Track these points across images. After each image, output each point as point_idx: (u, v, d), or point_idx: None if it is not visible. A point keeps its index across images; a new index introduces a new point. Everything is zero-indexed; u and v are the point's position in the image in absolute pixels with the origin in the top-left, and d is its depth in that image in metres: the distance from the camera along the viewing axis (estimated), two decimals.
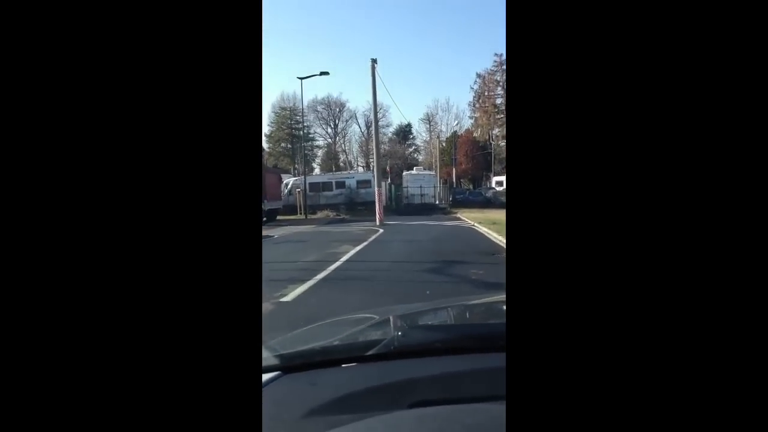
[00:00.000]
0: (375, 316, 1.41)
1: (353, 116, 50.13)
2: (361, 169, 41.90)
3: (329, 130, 50.94)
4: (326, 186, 30.44)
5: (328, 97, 50.03)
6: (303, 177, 28.73)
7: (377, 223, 18.55)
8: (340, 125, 51.24)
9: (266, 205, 23.50)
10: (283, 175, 31.92)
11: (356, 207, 29.18)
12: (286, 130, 45.65)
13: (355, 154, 50.79)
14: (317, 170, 46.63)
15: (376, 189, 18.48)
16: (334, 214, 26.75)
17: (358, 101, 72.61)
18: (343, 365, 0.96)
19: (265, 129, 45.54)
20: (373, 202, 32.53)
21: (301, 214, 27.22)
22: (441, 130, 49.38)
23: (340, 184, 30.73)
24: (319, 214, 26.41)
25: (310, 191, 29.55)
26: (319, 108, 49.85)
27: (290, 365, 0.96)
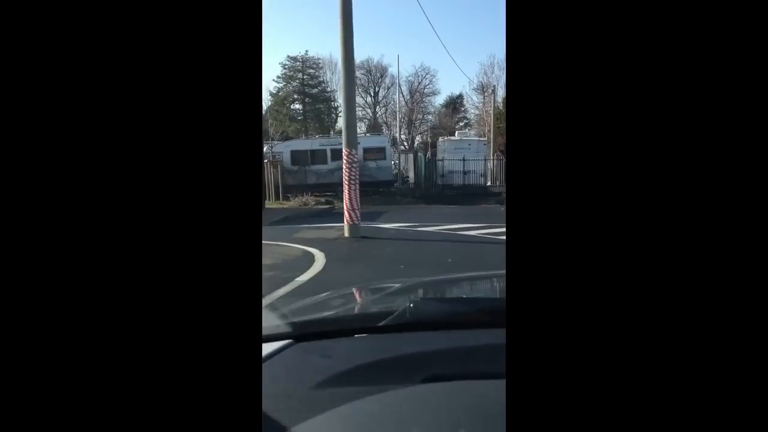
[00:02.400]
0: (394, 285, 1.44)
1: (395, 83, 38.62)
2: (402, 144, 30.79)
3: (368, 99, 40.24)
4: (317, 156, 19.50)
5: (368, 61, 39.12)
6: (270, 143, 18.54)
7: (345, 230, 8.35)
8: (381, 93, 40.40)
9: None
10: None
11: (363, 188, 18.87)
12: (295, 85, 35.67)
13: (399, 126, 39.97)
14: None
15: (345, 156, 8.16)
16: (322, 200, 16.52)
17: (403, 66, 61.55)
18: (355, 335, 0.94)
19: (271, 86, 35.65)
20: (390, 182, 20.01)
21: (269, 199, 17.32)
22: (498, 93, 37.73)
23: (339, 154, 20.39)
24: (294, 201, 16.39)
25: (292, 164, 19.43)
26: (358, 74, 39.14)
27: (302, 333, 0.94)
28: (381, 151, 19.47)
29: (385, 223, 10.71)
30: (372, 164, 19.21)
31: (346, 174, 8.21)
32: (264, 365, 0.79)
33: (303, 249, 7.23)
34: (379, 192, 18.34)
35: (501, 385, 0.57)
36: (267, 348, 0.87)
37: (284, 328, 0.95)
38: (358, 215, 8.32)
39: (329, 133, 27.80)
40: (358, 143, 20.88)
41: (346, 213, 8.27)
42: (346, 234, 8.26)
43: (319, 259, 6.43)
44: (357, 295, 1.45)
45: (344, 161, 8.27)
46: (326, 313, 1.14)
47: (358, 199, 8.32)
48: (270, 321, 0.96)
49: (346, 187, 8.23)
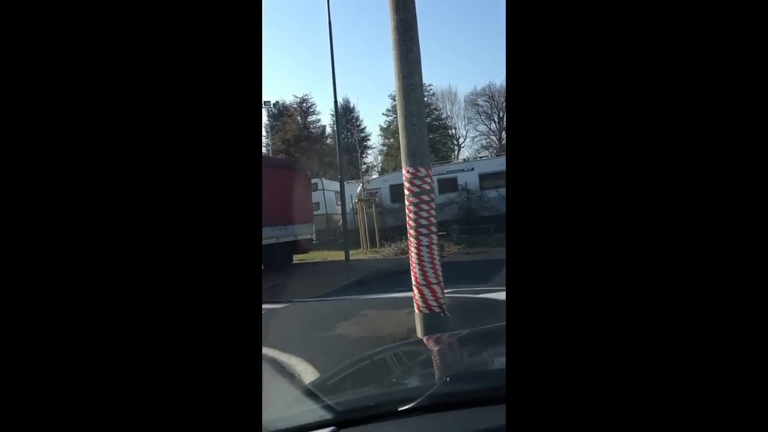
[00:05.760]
0: (421, 348, 1.49)
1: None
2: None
3: (492, 125, 36.00)
4: None
5: (490, 86, 35.13)
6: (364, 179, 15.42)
7: (417, 327, 4.35)
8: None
9: (277, 233, 11.11)
10: (324, 180, 18.81)
11: (478, 225, 14.52)
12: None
13: None
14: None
15: (406, 181, 4.26)
16: None
17: None
18: (400, 415, 0.89)
19: (381, 120, 33.10)
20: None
21: (365, 247, 13.96)
22: None
23: (449, 185, 16.15)
24: (390, 249, 12.77)
25: (392, 201, 15.95)
26: (479, 101, 35.28)
27: (344, 420, 0.91)
28: (500, 175, 15.09)
29: (502, 289, 6.43)
30: (493, 193, 14.97)
31: (412, 215, 4.33)
32: None
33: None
34: (502, 230, 14.01)
35: None
36: None
37: (325, 415, 0.89)
38: (439, 293, 4.28)
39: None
40: (472, 169, 16.79)
41: (415, 291, 4.33)
42: (419, 332, 4.31)
43: None
44: (388, 362, 1.37)
45: (406, 191, 4.42)
46: (366, 394, 1.07)
47: (437, 261, 4.30)
48: (309, 406, 0.95)
49: (412, 243, 4.34)
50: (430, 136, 31.87)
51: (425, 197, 4.31)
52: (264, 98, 30.98)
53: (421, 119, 4.46)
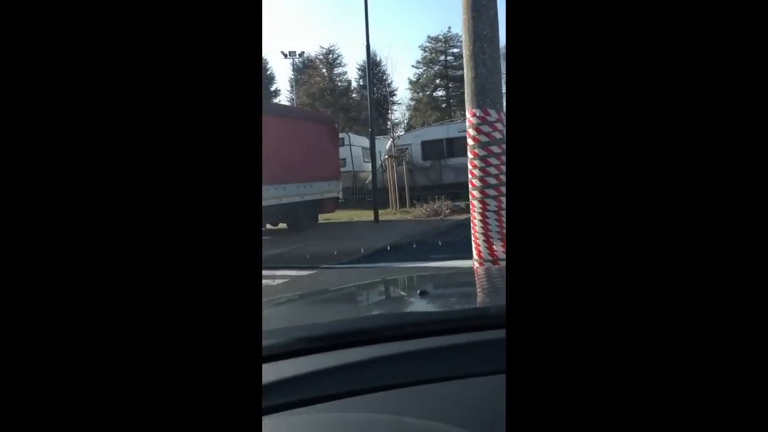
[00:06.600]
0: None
1: None
2: None
3: None
4: (456, 146, 14.00)
5: None
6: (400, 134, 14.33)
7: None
8: None
9: (302, 190, 10.35)
10: (351, 135, 17.59)
11: None
12: (438, 69, 30.83)
13: None
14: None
15: (470, 127, 3.25)
16: (462, 206, 11.68)
17: None
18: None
19: (410, 73, 31.42)
20: None
21: (391, 207, 13.05)
22: None
23: None
24: (421, 210, 11.83)
25: (423, 159, 14.83)
26: None
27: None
28: None
29: None
30: None
31: (477, 171, 3.36)
32: None
33: None
34: None
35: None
36: None
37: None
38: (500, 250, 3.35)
39: None
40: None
41: (477, 268, 3.41)
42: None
43: None
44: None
45: (470, 140, 3.44)
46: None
47: (502, 217, 3.34)
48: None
49: (476, 208, 3.38)
50: (462, 89, 30.46)
51: (495, 149, 3.33)
52: (288, 48, 29.66)
53: (493, 46, 3.38)
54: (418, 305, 1.25)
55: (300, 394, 0.73)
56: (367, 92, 14.04)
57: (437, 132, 15.50)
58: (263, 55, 32.58)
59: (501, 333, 0.63)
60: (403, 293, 1.54)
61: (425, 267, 5.82)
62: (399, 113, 31.07)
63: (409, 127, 24.88)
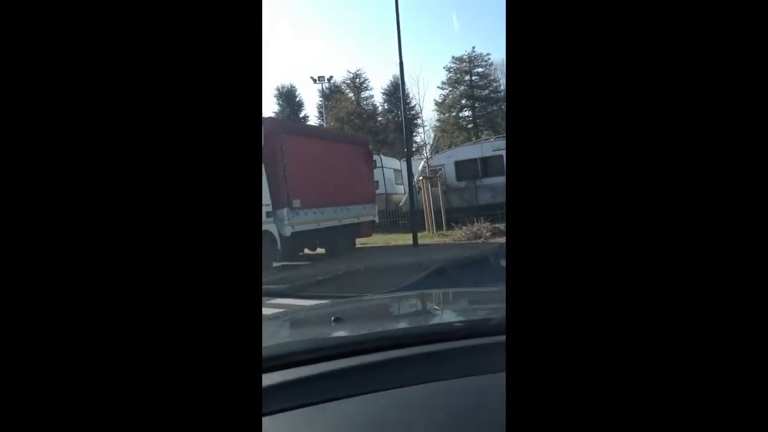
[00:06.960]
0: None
1: None
2: None
3: None
4: (491, 166, 13.97)
5: None
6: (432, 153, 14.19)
7: None
8: None
9: (340, 214, 10.24)
10: (383, 157, 17.33)
11: None
12: (463, 89, 30.75)
13: None
14: None
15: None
16: (501, 228, 11.39)
17: None
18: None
19: (436, 95, 31.40)
20: None
21: (430, 230, 12.83)
22: None
23: None
24: (460, 232, 11.58)
25: (458, 180, 14.61)
26: None
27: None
28: None
29: None
30: None
31: None
32: None
33: None
34: None
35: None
36: None
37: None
38: None
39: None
40: None
41: None
42: None
43: None
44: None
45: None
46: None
47: None
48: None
49: None
50: (488, 110, 30.30)
51: None
52: (317, 74, 30.05)
53: None
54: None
55: (301, 397, 0.76)
56: (402, 111, 13.95)
57: (471, 151, 15.25)
58: (292, 84, 33.12)
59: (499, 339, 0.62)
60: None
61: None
62: (424, 135, 31.06)
63: (437, 148, 24.75)
